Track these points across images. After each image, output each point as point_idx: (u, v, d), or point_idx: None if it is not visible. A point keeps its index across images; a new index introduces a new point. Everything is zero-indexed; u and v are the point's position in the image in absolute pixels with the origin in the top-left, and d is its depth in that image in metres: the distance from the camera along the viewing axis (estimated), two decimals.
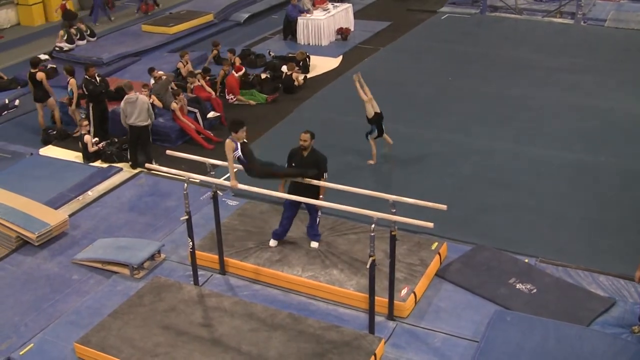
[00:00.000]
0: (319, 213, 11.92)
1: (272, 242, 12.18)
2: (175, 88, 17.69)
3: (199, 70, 19.68)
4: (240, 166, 11.19)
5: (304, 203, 11.28)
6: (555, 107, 18.65)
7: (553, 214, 13.54)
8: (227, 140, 10.87)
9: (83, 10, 29.76)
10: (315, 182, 11.30)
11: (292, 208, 11.81)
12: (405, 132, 16.98)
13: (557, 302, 10.84)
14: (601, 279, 11.41)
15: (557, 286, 11.24)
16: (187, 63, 20.04)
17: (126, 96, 15.49)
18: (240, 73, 20.03)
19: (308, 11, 25.20)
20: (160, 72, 18.47)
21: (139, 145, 15.74)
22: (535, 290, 11.07)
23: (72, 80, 16.99)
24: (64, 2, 26.26)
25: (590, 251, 12.34)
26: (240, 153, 10.87)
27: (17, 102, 19.57)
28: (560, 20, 27.57)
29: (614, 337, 10.02)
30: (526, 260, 11.91)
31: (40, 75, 17.16)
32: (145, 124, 15.49)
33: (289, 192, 11.50)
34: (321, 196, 11.49)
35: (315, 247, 12.04)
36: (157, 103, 16.92)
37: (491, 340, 9.92)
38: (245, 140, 11.03)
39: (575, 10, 27.23)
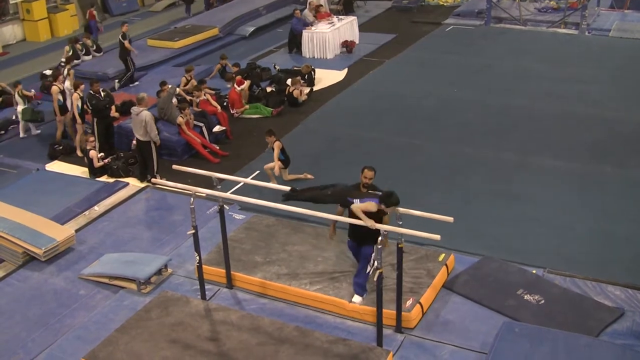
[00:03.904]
0: (373, 262, 10.71)
1: (356, 298, 11.12)
2: (181, 102, 17.74)
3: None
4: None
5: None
6: (560, 118, 18.64)
7: (560, 224, 13.51)
8: (373, 204, 10.06)
9: None
10: (378, 225, 10.08)
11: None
12: (411, 144, 16.98)
13: (565, 312, 10.80)
14: (609, 289, 11.37)
15: (565, 297, 11.21)
16: (191, 78, 20.02)
17: (132, 107, 15.54)
18: (243, 86, 20.04)
19: (312, 24, 25.26)
20: (169, 86, 18.47)
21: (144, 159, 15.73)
22: (543, 301, 11.03)
23: (75, 95, 17.00)
24: (91, 9, 26.84)
25: (598, 262, 12.30)
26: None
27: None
28: (564, 30, 27.59)
29: (624, 347, 9.97)
30: (534, 272, 11.88)
31: (54, 90, 17.37)
32: (145, 139, 15.43)
33: (350, 236, 10.88)
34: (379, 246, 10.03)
35: (357, 302, 11.06)
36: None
37: (499, 352, 9.87)
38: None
39: (580, 21, 27.25)
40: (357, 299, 11.03)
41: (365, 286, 11.00)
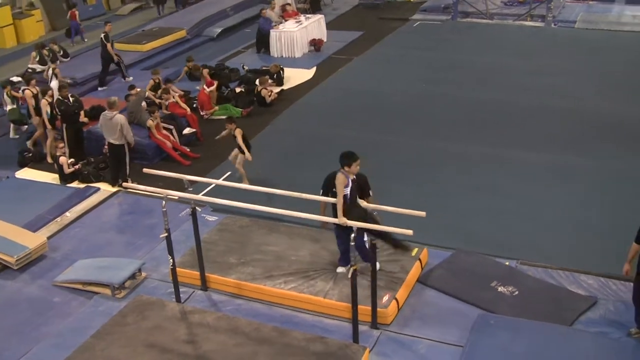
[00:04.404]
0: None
1: (340, 269, 11.63)
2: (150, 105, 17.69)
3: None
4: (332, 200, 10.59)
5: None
6: (531, 110, 18.79)
7: (532, 216, 13.62)
8: (339, 175, 10.28)
9: (54, 31, 29.71)
10: (365, 203, 10.78)
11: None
12: (382, 140, 17.03)
13: (540, 303, 10.89)
14: (582, 279, 11.47)
15: (539, 287, 11.29)
16: (158, 81, 19.95)
17: (103, 112, 15.46)
18: (212, 88, 20.01)
19: (277, 24, 25.28)
20: (138, 89, 18.41)
21: (117, 163, 15.64)
22: (517, 293, 11.11)
23: (44, 101, 16.87)
24: (73, 10, 27.20)
25: (571, 252, 12.42)
26: (348, 191, 10.23)
27: None
28: (531, 23, 27.83)
29: (598, 335, 10.08)
30: (507, 263, 11.96)
31: (27, 94, 17.46)
32: (119, 143, 15.34)
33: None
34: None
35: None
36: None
37: (476, 344, 9.95)
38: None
39: (546, 13, 27.51)
40: (340, 269, 11.50)
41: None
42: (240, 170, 14.97)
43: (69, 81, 20.88)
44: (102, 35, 22.19)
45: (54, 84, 18.82)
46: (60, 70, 21.10)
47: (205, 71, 20.48)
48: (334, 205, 10.58)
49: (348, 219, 10.08)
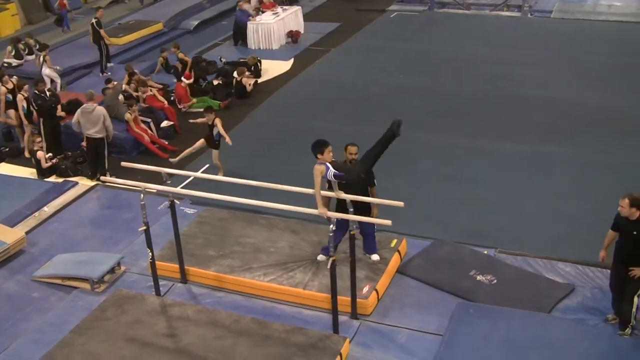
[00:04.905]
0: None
1: (321, 257, 11.76)
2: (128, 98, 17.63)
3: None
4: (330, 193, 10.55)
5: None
6: (508, 100, 18.87)
7: (510, 205, 13.70)
8: (315, 166, 10.04)
9: (30, 25, 29.50)
10: (368, 199, 10.75)
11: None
12: (359, 131, 16.99)
13: (518, 291, 10.97)
14: (560, 266, 11.58)
15: (517, 276, 11.38)
16: (134, 73, 19.86)
17: (83, 106, 15.38)
18: (190, 81, 19.98)
19: (254, 16, 25.24)
20: (115, 83, 18.34)
21: (96, 157, 15.57)
22: (495, 281, 11.18)
23: (20, 96, 16.79)
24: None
25: (548, 240, 12.52)
26: (334, 170, 10.01)
27: None
28: (507, 13, 27.92)
29: (576, 322, 10.18)
30: (485, 252, 12.03)
31: (2, 90, 17.30)
32: (100, 136, 15.30)
33: (337, 211, 10.72)
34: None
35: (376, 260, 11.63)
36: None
37: (455, 332, 10.02)
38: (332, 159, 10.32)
39: (522, 3, 27.61)
40: (321, 257, 11.70)
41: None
42: (218, 164, 14.97)
43: (57, 68, 21.22)
44: (94, 21, 22.31)
45: (46, 71, 19.61)
46: (36, 64, 21.01)
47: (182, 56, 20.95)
48: (338, 200, 10.68)
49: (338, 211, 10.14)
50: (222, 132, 14.92)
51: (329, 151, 10.02)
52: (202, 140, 15.29)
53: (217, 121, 14.95)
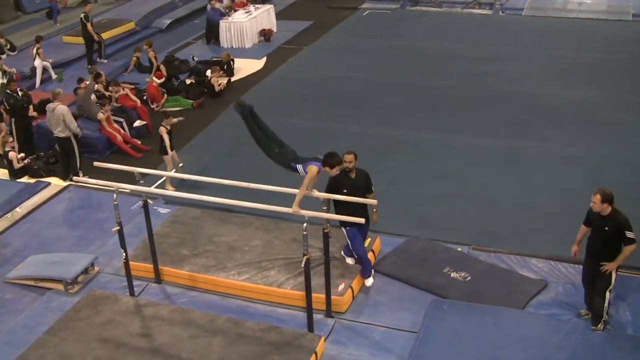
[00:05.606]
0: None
1: (350, 260, 11.63)
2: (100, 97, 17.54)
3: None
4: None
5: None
6: (480, 96, 18.97)
7: (483, 201, 13.78)
8: (314, 167, 10.06)
9: (0, 24, 29.21)
10: (369, 200, 10.65)
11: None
12: (333, 128, 17.07)
13: (492, 287, 11.04)
14: (533, 262, 11.68)
15: (490, 272, 11.45)
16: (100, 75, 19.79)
17: (47, 105, 15.27)
18: (161, 81, 19.92)
19: (227, 14, 25.19)
20: (87, 82, 18.22)
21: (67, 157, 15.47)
22: (469, 278, 11.24)
23: None
24: None
25: (521, 236, 12.60)
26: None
27: None
28: (479, 11, 28.08)
29: (549, 317, 10.26)
30: (459, 249, 12.09)
31: None
32: (64, 135, 15.17)
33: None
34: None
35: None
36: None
37: (429, 329, 10.06)
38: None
39: (493, 1, 27.75)
40: (350, 260, 11.60)
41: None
42: (167, 160, 14.89)
43: (51, 61, 21.49)
44: (82, 16, 22.42)
45: (38, 62, 20.57)
46: (7, 63, 20.90)
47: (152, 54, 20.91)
48: (339, 203, 10.67)
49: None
50: (166, 140, 14.85)
51: (337, 169, 10.20)
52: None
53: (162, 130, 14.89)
